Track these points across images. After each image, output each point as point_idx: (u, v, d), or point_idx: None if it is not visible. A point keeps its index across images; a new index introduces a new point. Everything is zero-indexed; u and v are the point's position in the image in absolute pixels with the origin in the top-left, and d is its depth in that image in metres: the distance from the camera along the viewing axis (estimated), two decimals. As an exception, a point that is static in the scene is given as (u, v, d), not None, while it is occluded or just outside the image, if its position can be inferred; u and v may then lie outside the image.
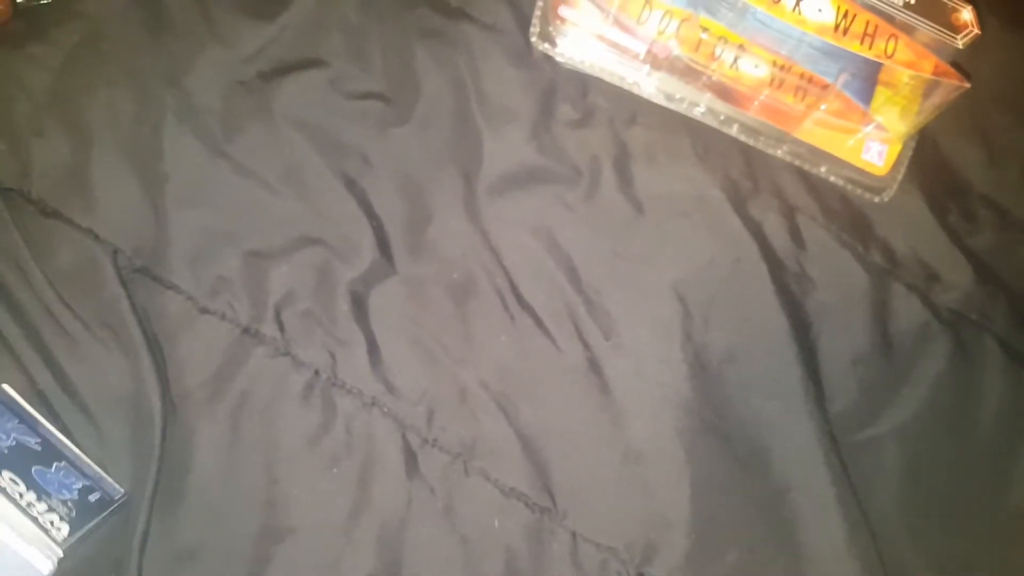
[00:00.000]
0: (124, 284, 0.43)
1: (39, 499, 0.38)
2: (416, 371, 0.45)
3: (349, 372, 0.44)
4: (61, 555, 0.38)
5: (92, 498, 0.40)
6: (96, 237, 0.44)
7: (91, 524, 0.40)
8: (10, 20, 0.47)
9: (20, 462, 0.38)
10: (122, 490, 0.41)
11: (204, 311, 0.43)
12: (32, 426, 0.39)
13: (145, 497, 0.39)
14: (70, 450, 0.40)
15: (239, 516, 0.41)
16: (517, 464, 0.44)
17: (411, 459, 0.44)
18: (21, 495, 0.38)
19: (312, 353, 0.44)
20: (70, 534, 0.39)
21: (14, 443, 0.38)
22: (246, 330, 0.44)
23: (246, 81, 0.47)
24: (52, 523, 0.38)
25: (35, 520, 0.38)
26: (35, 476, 0.38)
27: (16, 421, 0.38)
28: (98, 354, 0.42)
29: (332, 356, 0.44)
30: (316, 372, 0.44)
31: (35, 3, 0.47)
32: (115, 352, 0.42)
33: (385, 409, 0.44)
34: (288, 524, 0.42)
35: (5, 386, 0.40)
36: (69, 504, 0.39)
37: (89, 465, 0.40)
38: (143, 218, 0.44)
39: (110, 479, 0.41)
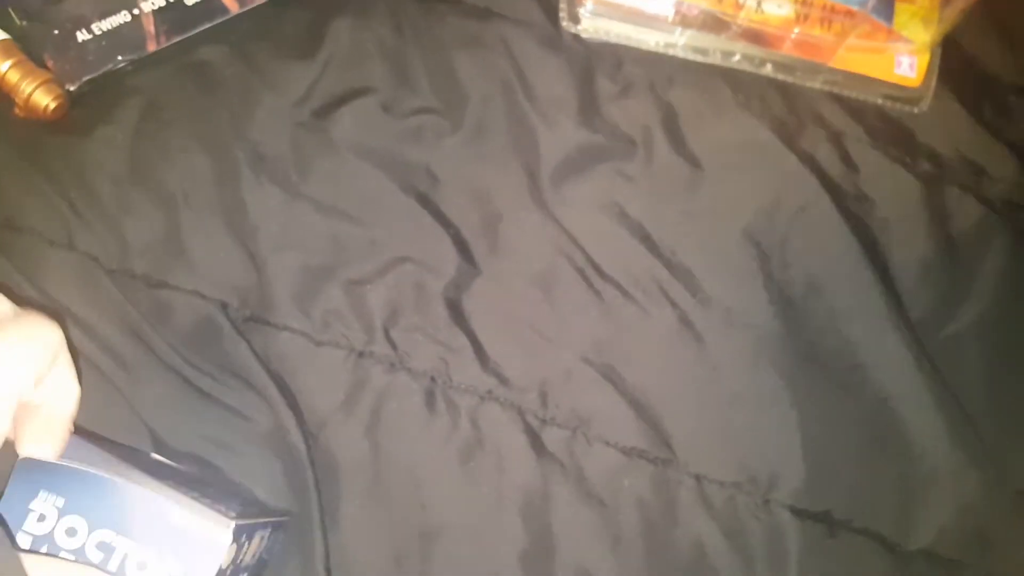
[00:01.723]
0: (240, 332, 0.46)
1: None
2: (521, 360, 0.48)
3: (462, 373, 0.47)
4: (234, 525, 0.36)
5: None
6: (203, 296, 0.46)
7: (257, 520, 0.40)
8: (68, 112, 0.49)
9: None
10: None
11: (320, 344, 0.46)
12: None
13: (314, 522, 0.42)
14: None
15: (396, 524, 0.44)
16: (632, 425, 0.47)
17: (536, 439, 0.47)
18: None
19: (425, 362, 0.47)
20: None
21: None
22: (361, 353, 0.46)
23: (304, 122, 0.49)
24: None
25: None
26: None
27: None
28: (234, 401, 0.45)
29: (444, 362, 0.47)
30: (432, 379, 0.47)
31: (85, 88, 0.49)
32: (248, 395, 0.45)
33: (501, 400, 0.47)
34: (441, 522, 0.45)
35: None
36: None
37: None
38: (243, 269, 0.47)
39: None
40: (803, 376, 0.47)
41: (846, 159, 0.50)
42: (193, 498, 0.37)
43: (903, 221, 0.49)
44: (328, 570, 0.42)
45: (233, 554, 0.37)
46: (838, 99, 0.51)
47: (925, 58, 0.51)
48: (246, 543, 0.38)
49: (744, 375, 0.47)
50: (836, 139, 0.50)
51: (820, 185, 0.48)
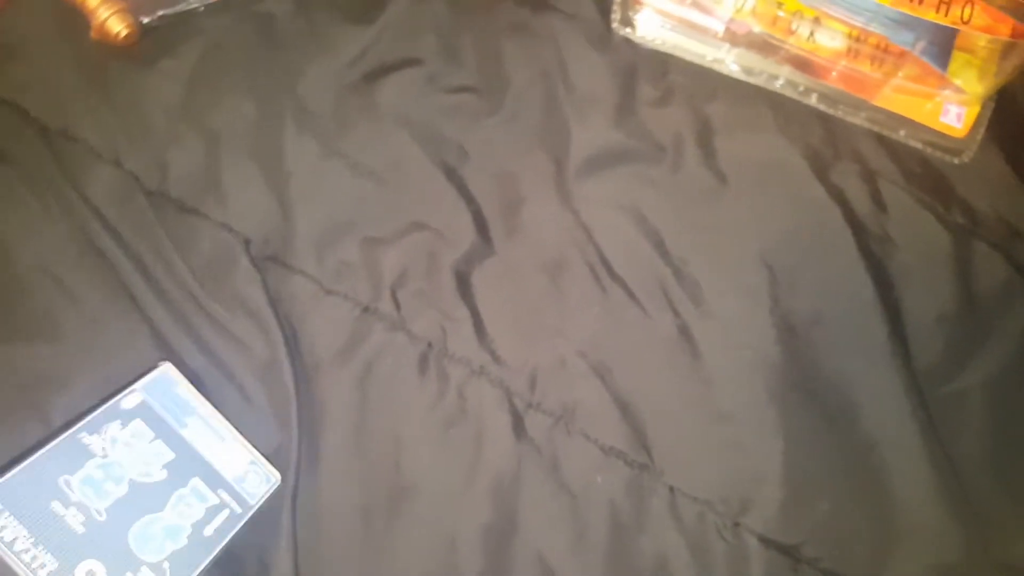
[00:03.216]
0: (258, 269, 0.48)
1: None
2: (517, 342, 0.49)
3: (458, 344, 0.48)
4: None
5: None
6: (230, 230, 0.49)
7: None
8: (138, 41, 0.52)
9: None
10: (277, 475, 0.45)
11: (329, 292, 0.48)
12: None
13: (292, 457, 0.44)
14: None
15: (371, 476, 0.46)
16: (615, 425, 0.48)
17: (518, 422, 0.48)
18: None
19: (425, 328, 0.48)
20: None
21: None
22: (366, 308, 0.48)
23: (352, 84, 0.51)
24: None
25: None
26: None
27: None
28: (239, 331, 0.47)
29: (443, 330, 0.48)
30: (429, 345, 0.48)
31: (157, 22, 0.52)
32: (252, 327, 0.47)
33: (492, 377, 0.48)
34: (413, 482, 0.46)
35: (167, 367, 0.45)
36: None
37: (249, 451, 0.45)
38: (271, 212, 0.49)
39: (265, 465, 0.45)
40: (794, 406, 0.47)
41: (876, 198, 0.49)
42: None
43: (925, 269, 0.49)
44: (294, 505, 0.43)
45: None
46: (879, 138, 0.51)
47: (975, 110, 0.50)
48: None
49: (735, 395, 0.47)
50: (870, 177, 0.50)
51: (843, 219, 0.48)
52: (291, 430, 0.45)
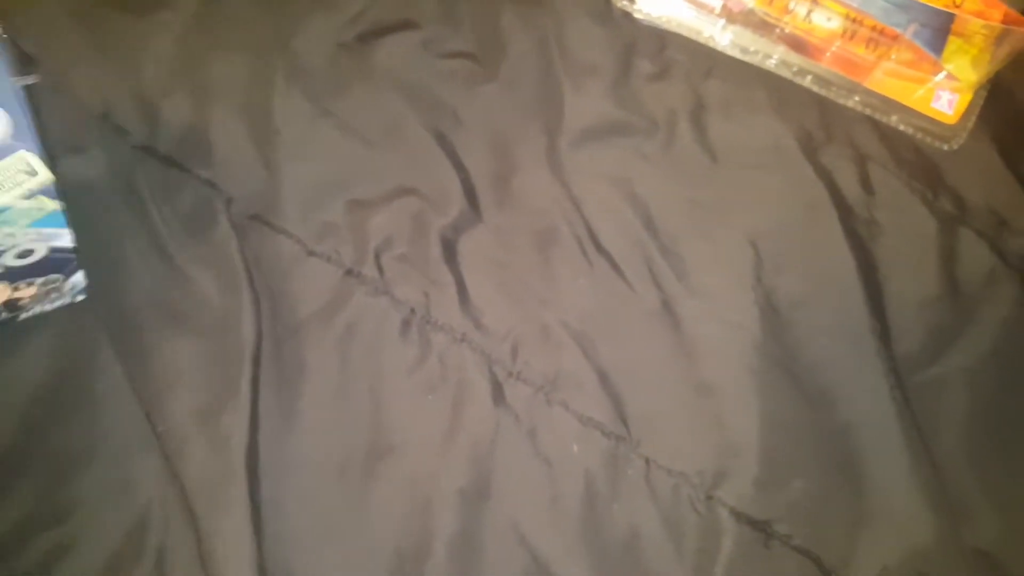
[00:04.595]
0: (235, 227, 0.48)
1: None
2: (501, 311, 0.49)
3: (441, 311, 0.48)
4: None
5: None
6: (214, 186, 0.49)
7: None
8: (135, -9, 0.52)
9: None
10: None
11: (312, 253, 0.48)
12: None
13: (243, 413, 0.44)
14: None
15: (348, 434, 0.46)
16: (594, 396, 0.48)
17: (498, 390, 0.48)
18: None
19: (408, 293, 0.48)
20: None
21: None
22: (349, 271, 0.48)
23: (347, 43, 0.51)
24: None
25: None
26: None
27: None
28: (200, 285, 0.46)
29: (426, 296, 0.48)
30: (412, 310, 0.48)
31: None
32: (215, 286, 0.46)
33: (473, 344, 0.48)
34: (390, 442, 0.46)
35: None
36: None
37: None
38: (257, 170, 0.49)
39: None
40: (773, 384, 0.47)
41: (864, 182, 0.49)
42: None
43: (909, 254, 0.49)
44: (251, 466, 0.43)
45: None
46: (872, 122, 0.51)
47: (967, 97, 0.50)
48: None
49: (714, 370, 0.47)
50: (860, 160, 0.50)
51: (831, 201, 0.48)
52: (240, 388, 0.44)
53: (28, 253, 0.42)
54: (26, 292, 0.44)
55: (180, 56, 0.50)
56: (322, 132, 0.50)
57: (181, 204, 0.47)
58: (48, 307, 0.46)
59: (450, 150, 0.51)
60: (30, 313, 0.45)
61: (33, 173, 0.39)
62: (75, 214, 0.43)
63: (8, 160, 0.38)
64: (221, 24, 0.51)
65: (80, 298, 0.46)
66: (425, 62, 0.51)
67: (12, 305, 0.44)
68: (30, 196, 0.39)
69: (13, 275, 0.42)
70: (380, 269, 0.48)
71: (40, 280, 0.44)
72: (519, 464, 0.46)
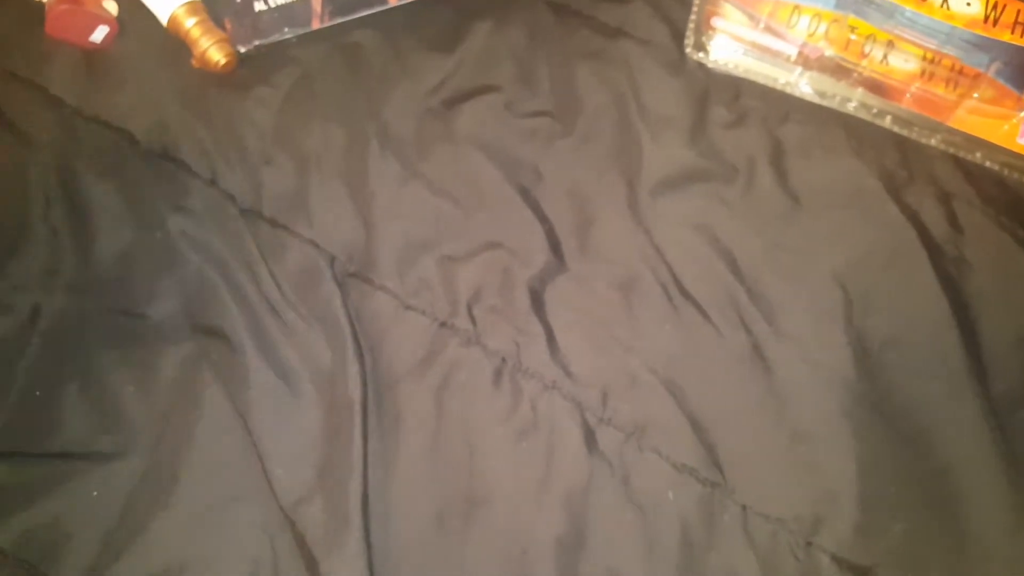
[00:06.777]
0: (339, 285, 0.50)
1: None
2: (589, 358, 0.50)
3: (531, 359, 0.50)
4: None
5: None
6: (317, 246, 0.51)
7: None
8: (236, 69, 0.56)
9: None
10: None
11: (408, 308, 0.50)
12: None
13: (354, 467, 0.45)
14: None
15: (446, 483, 0.47)
16: (687, 442, 0.48)
17: (590, 436, 0.49)
18: None
19: (499, 343, 0.50)
20: None
21: None
22: (443, 324, 0.50)
23: (433, 109, 0.54)
24: None
25: None
26: None
27: None
28: (309, 341, 0.48)
29: (517, 345, 0.50)
30: (503, 359, 0.50)
31: (253, 52, 0.56)
32: (325, 339, 0.48)
33: (564, 392, 0.49)
34: (486, 490, 0.47)
35: None
36: None
37: None
38: (355, 230, 0.52)
39: None
40: (869, 426, 0.47)
41: (951, 220, 0.49)
42: None
43: (1002, 291, 0.48)
44: (365, 514, 0.44)
45: None
46: (955, 160, 0.51)
47: (1054, 131, 0.49)
48: None
49: (809, 413, 0.47)
50: (945, 198, 0.50)
51: (918, 240, 0.48)
52: (353, 440, 0.46)
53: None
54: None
55: (279, 127, 0.54)
56: (413, 192, 0.52)
57: (289, 264, 0.50)
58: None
59: (533, 204, 0.52)
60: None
61: None
62: (185, 270, 0.47)
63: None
64: (316, 98, 0.54)
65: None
66: (506, 122, 0.54)
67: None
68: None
69: None
70: (472, 320, 0.50)
71: None
72: (614, 511, 0.47)
